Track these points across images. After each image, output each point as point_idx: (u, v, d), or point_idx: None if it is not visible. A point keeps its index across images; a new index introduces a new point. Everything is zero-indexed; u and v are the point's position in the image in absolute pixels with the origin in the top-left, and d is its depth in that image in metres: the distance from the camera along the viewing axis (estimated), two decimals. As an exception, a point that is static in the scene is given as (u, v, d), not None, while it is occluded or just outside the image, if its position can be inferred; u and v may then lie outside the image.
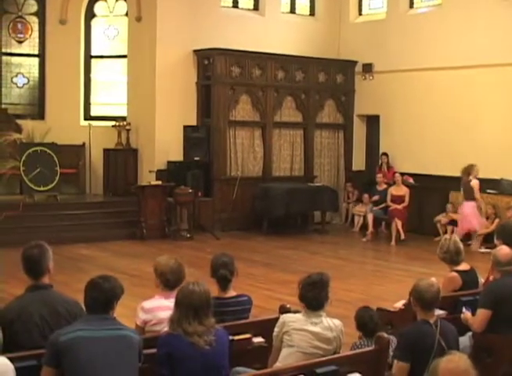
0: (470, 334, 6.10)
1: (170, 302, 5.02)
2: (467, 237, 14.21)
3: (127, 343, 4.35)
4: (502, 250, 6.29)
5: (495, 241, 6.98)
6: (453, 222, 15.05)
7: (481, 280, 6.82)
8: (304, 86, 17.38)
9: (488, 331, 5.96)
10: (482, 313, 5.99)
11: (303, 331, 5.01)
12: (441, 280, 6.00)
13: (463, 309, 6.17)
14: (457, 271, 6.69)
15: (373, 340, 5.32)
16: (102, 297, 4.42)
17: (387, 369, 5.19)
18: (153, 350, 4.63)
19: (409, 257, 13.83)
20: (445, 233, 14.40)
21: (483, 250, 13.70)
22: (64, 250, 12.40)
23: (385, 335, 5.12)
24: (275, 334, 5.13)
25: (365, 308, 5.99)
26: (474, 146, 15.39)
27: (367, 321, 5.74)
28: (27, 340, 4.72)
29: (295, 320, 5.06)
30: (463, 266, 6.76)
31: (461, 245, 6.79)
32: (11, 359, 4.02)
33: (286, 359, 4.98)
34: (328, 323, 5.11)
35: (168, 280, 5.58)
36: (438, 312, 5.45)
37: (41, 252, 5.08)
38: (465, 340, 5.97)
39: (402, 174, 16.01)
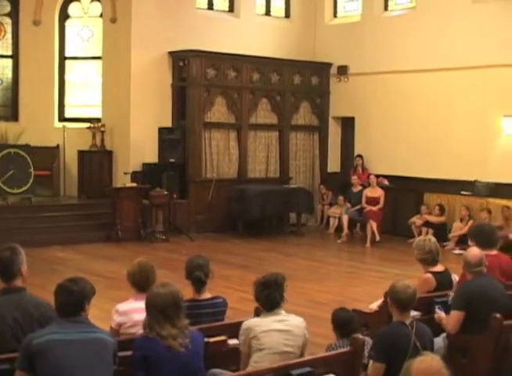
0: (444, 334, 6.13)
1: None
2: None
3: (101, 346, 4.32)
4: (472, 251, 6.33)
5: (469, 242, 7.02)
6: (428, 224, 15.13)
7: (456, 279, 6.84)
8: (280, 88, 17.40)
9: (462, 332, 5.99)
10: (455, 315, 6.03)
11: (271, 332, 5.02)
12: (415, 282, 6.02)
13: (436, 309, 6.20)
14: (432, 272, 6.72)
15: (349, 341, 5.33)
16: (72, 300, 4.38)
17: (362, 370, 5.20)
18: (128, 353, 4.61)
19: (384, 258, 13.89)
20: (420, 234, 14.45)
21: (457, 251, 13.79)
22: (39, 252, 12.31)
23: (360, 336, 5.13)
24: (241, 341, 5.12)
25: (341, 309, 5.99)
26: (449, 147, 15.51)
27: (343, 322, 5.73)
28: (1, 343, 4.68)
29: (259, 323, 5.07)
30: (438, 267, 6.79)
31: (438, 246, 6.84)
32: (-16, 363, 3.99)
33: (259, 362, 4.95)
34: (292, 320, 5.15)
35: (134, 282, 5.60)
36: (413, 313, 5.47)
37: (12, 255, 5.04)
38: (439, 341, 6.00)
39: (377, 176, 16.09)
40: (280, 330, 5.04)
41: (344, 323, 5.74)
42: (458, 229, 14.76)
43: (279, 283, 5.19)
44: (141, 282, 5.57)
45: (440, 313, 6.18)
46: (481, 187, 14.90)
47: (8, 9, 17.12)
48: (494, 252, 6.80)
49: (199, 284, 5.75)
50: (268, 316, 5.12)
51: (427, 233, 14.44)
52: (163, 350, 4.47)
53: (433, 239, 6.92)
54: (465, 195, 15.09)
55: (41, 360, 4.13)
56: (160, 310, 4.55)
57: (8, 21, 17.13)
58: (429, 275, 6.70)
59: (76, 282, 4.50)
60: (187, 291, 5.75)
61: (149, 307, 4.64)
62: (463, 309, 6.00)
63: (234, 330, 5.42)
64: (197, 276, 5.72)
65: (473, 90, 15.20)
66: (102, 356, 4.30)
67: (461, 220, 14.81)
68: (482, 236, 6.86)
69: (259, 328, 5.02)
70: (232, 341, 5.40)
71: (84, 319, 4.41)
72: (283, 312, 5.17)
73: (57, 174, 16.51)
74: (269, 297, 5.14)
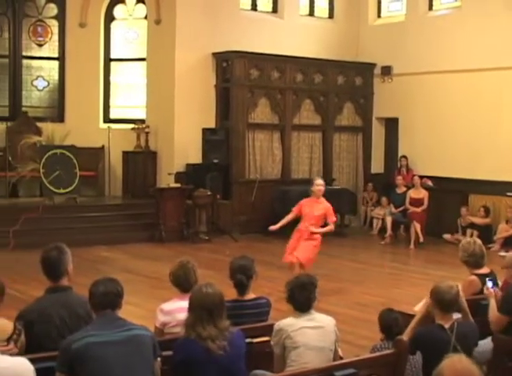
0: (490, 337, 6.05)
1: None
2: None
3: (139, 343, 4.32)
4: None
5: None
6: (473, 226, 14.97)
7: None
8: (323, 89, 17.37)
9: (509, 334, 5.90)
10: (501, 318, 5.94)
11: (303, 329, 5.04)
12: (460, 284, 5.96)
13: (489, 285, 6.11)
14: (477, 274, 6.65)
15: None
16: (110, 294, 4.41)
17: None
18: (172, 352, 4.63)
19: (428, 260, 13.78)
20: (464, 235, 14.30)
21: (503, 253, 13.63)
22: (83, 252, 12.44)
23: (404, 339, 5.10)
24: (274, 342, 5.12)
25: (389, 310, 5.90)
26: (494, 148, 15.33)
27: (391, 324, 5.63)
28: (47, 341, 4.75)
29: (291, 323, 5.09)
30: (484, 270, 6.71)
31: (484, 248, 6.77)
32: (31, 360, 4.04)
33: (297, 360, 4.98)
34: (322, 318, 5.18)
35: (176, 283, 5.66)
36: (457, 315, 5.42)
37: (59, 254, 5.11)
38: (485, 343, 5.92)
39: (421, 177, 15.97)
40: (312, 327, 5.07)
41: (389, 324, 5.67)
42: (503, 230, 14.58)
43: (314, 285, 5.20)
44: (183, 282, 5.60)
45: (490, 290, 6.09)
46: (528, 188, 14.72)
47: (55, 11, 17.35)
48: None
49: (240, 287, 5.77)
50: (299, 316, 5.13)
51: (471, 235, 14.27)
52: (201, 353, 4.46)
53: (478, 241, 6.83)
54: (510, 196, 14.90)
55: (81, 364, 4.14)
56: (207, 310, 4.55)
57: (55, 24, 17.36)
58: (474, 277, 6.63)
59: (110, 279, 4.57)
60: (231, 292, 5.78)
61: (194, 306, 4.62)
62: (507, 313, 5.92)
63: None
64: (239, 279, 5.74)
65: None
66: (141, 354, 4.30)
67: (507, 222, 14.64)
68: None
69: (290, 327, 5.04)
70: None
71: (119, 316, 4.42)
72: (312, 311, 5.18)
73: (102, 174, 16.70)
74: (307, 299, 5.15)
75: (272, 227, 10.48)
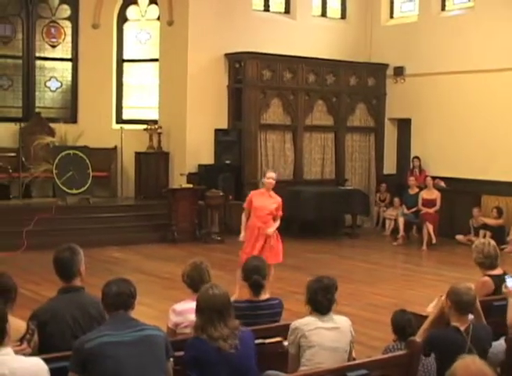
0: (503, 338, 6.03)
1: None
2: None
3: (152, 343, 4.33)
4: None
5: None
6: (486, 227, 14.92)
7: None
8: (335, 89, 17.36)
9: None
10: None
11: (318, 329, 5.04)
12: (473, 285, 5.94)
13: (508, 284, 6.07)
14: (490, 275, 6.63)
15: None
16: (123, 295, 4.41)
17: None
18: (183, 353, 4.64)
19: (440, 261, 13.75)
20: (477, 236, 14.25)
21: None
22: (96, 253, 12.47)
23: (417, 340, 5.09)
24: (290, 341, 5.12)
25: (402, 311, 5.87)
26: (507, 149, 15.28)
27: (404, 325, 5.59)
28: (60, 341, 4.76)
29: (307, 323, 5.09)
30: (497, 271, 6.69)
31: (498, 249, 6.77)
32: (45, 360, 4.06)
33: (312, 359, 4.98)
34: (338, 319, 5.18)
35: (189, 283, 5.65)
36: (470, 317, 5.41)
37: (72, 255, 5.12)
38: (499, 345, 5.90)
39: (434, 177, 15.93)
40: (328, 327, 5.07)
41: (403, 325, 5.64)
42: None
43: (335, 288, 5.21)
44: (198, 283, 5.60)
45: (509, 289, 6.06)
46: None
47: (68, 12, 17.40)
48: None
49: (256, 288, 5.78)
50: (317, 317, 5.13)
51: (484, 236, 14.21)
52: (212, 351, 4.49)
53: (492, 242, 6.81)
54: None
55: (94, 364, 4.16)
56: (217, 311, 4.57)
57: (68, 25, 17.41)
58: (487, 278, 6.61)
59: (123, 280, 4.58)
60: (242, 292, 5.78)
61: (203, 308, 4.62)
62: None
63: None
64: (255, 280, 5.75)
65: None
66: (154, 354, 4.32)
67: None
68: None
69: (307, 327, 5.05)
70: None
71: (131, 317, 4.43)
72: (331, 313, 5.19)
73: (115, 175, 16.73)
74: (329, 302, 5.14)
75: (241, 238, 10.29)
